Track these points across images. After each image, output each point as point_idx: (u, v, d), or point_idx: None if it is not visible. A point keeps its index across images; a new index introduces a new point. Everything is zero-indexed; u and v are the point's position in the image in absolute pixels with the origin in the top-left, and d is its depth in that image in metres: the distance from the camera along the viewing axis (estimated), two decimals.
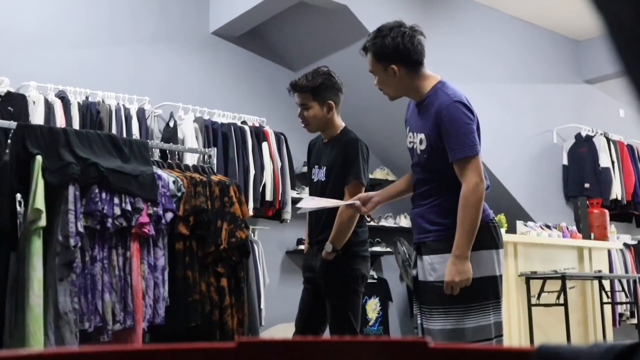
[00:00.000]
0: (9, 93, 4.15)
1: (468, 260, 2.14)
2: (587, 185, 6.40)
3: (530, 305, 4.72)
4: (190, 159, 4.57)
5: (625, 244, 6.44)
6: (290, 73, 5.83)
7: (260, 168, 5.01)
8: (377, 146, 5.95)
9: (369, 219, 5.68)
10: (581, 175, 6.47)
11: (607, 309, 5.58)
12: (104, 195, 3.11)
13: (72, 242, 2.93)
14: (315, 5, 5.08)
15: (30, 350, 2.30)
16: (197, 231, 3.43)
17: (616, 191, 6.41)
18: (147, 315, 3.20)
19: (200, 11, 5.63)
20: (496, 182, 5.61)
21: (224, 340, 3.29)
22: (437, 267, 2.21)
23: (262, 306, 4.82)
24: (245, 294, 3.60)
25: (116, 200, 3.14)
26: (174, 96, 5.12)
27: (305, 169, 5.30)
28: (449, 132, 2.19)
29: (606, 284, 5.52)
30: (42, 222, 2.91)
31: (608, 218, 5.88)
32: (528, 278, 4.80)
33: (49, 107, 4.28)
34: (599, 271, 5.43)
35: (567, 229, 5.64)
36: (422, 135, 2.28)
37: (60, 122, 4.23)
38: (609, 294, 5.58)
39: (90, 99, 4.57)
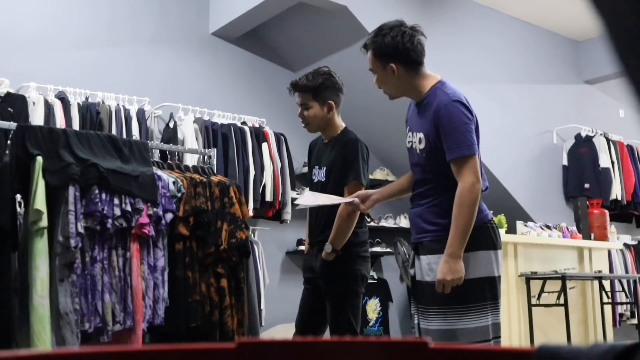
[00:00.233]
0: (8, 94, 4.15)
1: (461, 259, 2.14)
2: (587, 185, 6.40)
3: (530, 306, 4.72)
4: (190, 160, 4.57)
5: (625, 244, 6.44)
6: (290, 74, 5.83)
7: (260, 169, 5.01)
8: (377, 147, 5.96)
9: (368, 220, 5.68)
10: (581, 175, 6.47)
11: (607, 309, 5.58)
12: (104, 195, 3.11)
13: (72, 242, 2.93)
14: (315, 6, 5.08)
15: (30, 350, 2.30)
16: (197, 232, 3.43)
17: (616, 191, 6.41)
18: (147, 316, 3.20)
19: (200, 12, 5.63)
20: (496, 182, 5.61)
21: (223, 340, 3.29)
22: (434, 267, 2.21)
23: (262, 307, 4.82)
24: (245, 295, 3.60)
25: (116, 201, 3.14)
26: (174, 97, 5.12)
27: (305, 170, 5.30)
28: (447, 131, 2.19)
29: (606, 284, 5.51)
30: (44, 222, 2.92)
31: (608, 218, 5.88)
32: (528, 278, 4.80)
33: (48, 108, 4.28)
34: (599, 271, 5.42)
35: (567, 229, 5.64)
36: (421, 135, 2.28)
37: (60, 123, 4.23)
38: (609, 294, 5.58)
39: (90, 100, 4.57)
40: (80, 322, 2.97)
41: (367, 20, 5.06)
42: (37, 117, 4.19)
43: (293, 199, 5.17)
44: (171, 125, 4.87)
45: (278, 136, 5.25)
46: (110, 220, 3.09)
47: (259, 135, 5.12)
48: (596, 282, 5.38)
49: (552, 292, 4.67)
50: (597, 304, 5.40)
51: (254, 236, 5.14)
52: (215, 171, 3.93)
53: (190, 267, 3.38)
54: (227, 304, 3.44)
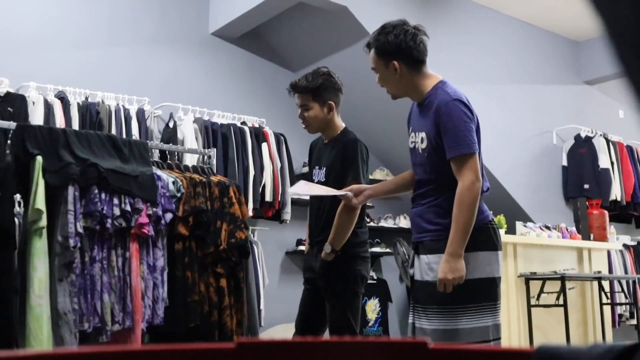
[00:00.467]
0: (8, 94, 4.15)
1: (462, 258, 2.13)
2: (586, 186, 6.41)
3: (529, 306, 4.72)
4: (190, 160, 4.57)
5: (624, 245, 6.45)
6: (289, 74, 5.83)
7: (259, 169, 5.01)
8: (377, 147, 5.96)
9: (368, 220, 5.68)
10: (581, 176, 6.47)
11: (607, 309, 5.58)
12: (103, 195, 3.11)
13: (71, 242, 2.93)
14: (315, 6, 5.08)
15: (30, 350, 2.30)
16: (196, 232, 3.43)
17: (615, 192, 6.41)
18: (146, 316, 3.20)
19: (200, 12, 5.63)
20: (496, 182, 5.61)
21: (223, 340, 3.29)
22: (434, 267, 2.21)
23: (262, 307, 4.82)
24: (245, 295, 3.60)
25: (115, 201, 3.14)
26: (174, 97, 5.12)
27: (305, 170, 5.30)
28: (447, 129, 2.19)
29: (606, 284, 5.51)
30: (43, 222, 2.92)
31: (607, 219, 5.88)
32: (527, 279, 4.80)
33: (48, 108, 4.28)
34: (599, 272, 5.42)
35: (567, 229, 5.64)
36: (423, 134, 2.29)
37: (59, 122, 4.23)
38: (609, 294, 5.58)
39: (89, 100, 4.57)
40: (79, 322, 2.97)
41: (367, 21, 5.06)
42: (36, 117, 4.19)
43: (293, 199, 5.17)
44: (171, 125, 4.87)
45: (278, 136, 5.26)
46: (109, 220, 3.09)
47: (258, 135, 5.12)
48: (595, 283, 5.38)
49: (552, 292, 4.67)
50: (597, 304, 5.40)
51: (253, 236, 5.13)
52: (215, 171, 3.93)
53: (189, 267, 3.38)
54: (226, 304, 3.44)
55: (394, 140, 5.75)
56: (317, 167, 3.00)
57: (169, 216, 3.32)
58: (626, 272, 6.26)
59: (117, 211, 3.13)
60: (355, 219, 2.79)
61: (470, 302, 2.17)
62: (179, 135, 4.79)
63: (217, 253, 3.44)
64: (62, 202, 3.00)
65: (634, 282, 5.76)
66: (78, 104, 4.46)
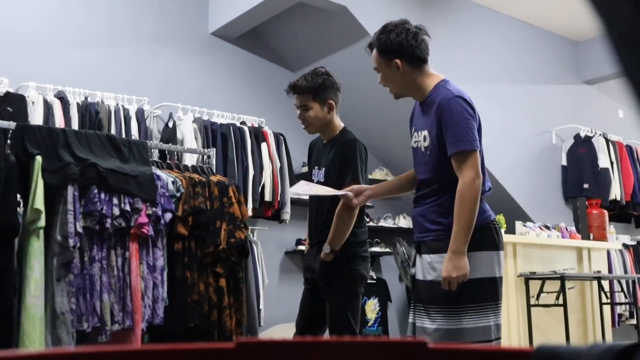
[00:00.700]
0: (8, 93, 4.15)
1: (465, 255, 2.13)
2: (586, 185, 6.41)
3: (529, 306, 4.72)
4: (190, 160, 4.57)
5: (624, 245, 6.45)
6: (289, 74, 5.83)
7: (259, 168, 5.01)
8: (377, 147, 5.96)
9: (368, 219, 5.68)
10: (580, 175, 6.47)
11: (607, 309, 5.59)
12: (103, 195, 3.11)
13: (70, 242, 2.93)
14: (314, 6, 5.08)
15: (30, 350, 2.30)
16: (196, 231, 3.43)
17: (615, 192, 6.41)
18: (146, 316, 3.20)
19: (199, 12, 5.63)
20: (495, 182, 5.61)
21: (222, 340, 3.29)
22: (436, 266, 2.21)
23: (261, 307, 4.82)
24: (244, 295, 3.60)
25: (115, 201, 3.14)
26: (173, 97, 5.12)
27: (304, 170, 5.30)
28: (448, 125, 2.19)
29: (605, 284, 5.52)
30: (42, 222, 2.91)
31: (607, 218, 5.88)
32: (527, 278, 4.80)
33: (48, 108, 4.28)
34: (598, 272, 5.43)
35: (566, 229, 5.65)
36: (425, 132, 2.29)
37: (59, 122, 4.23)
38: (608, 294, 5.58)
39: (89, 100, 4.57)
40: (79, 322, 2.97)
41: (366, 21, 5.06)
42: (36, 117, 4.19)
43: (292, 199, 5.17)
44: (170, 125, 4.87)
45: (277, 136, 5.25)
46: (109, 220, 3.09)
47: (258, 135, 5.12)
48: (595, 283, 5.38)
49: (551, 292, 4.67)
50: (596, 304, 5.40)
51: (253, 236, 5.13)
52: (215, 171, 3.93)
53: (189, 267, 3.38)
54: (225, 303, 3.44)
55: (393, 140, 5.76)
56: (316, 168, 3.00)
57: (168, 216, 3.32)
58: (626, 271, 6.26)
59: (116, 211, 3.13)
60: (354, 219, 2.79)
61: (472, 301, 2.16)
62: (179, 135, 4.79)
63: (217, 253, 3.44)
64: (61, 202, 3.00)
65: (633, 281, 5.76)
66: (77, 103, 4.46)
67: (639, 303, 5.65)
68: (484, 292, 2.19)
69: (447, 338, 2.15)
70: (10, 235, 2.93)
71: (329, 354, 0.58)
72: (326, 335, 3.06)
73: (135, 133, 4.56)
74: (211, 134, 4.93)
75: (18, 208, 3.08)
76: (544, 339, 4.74)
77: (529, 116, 6.41)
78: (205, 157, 4.16)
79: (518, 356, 0.59)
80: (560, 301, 4.63)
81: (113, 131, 4.41)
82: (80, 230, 2.99)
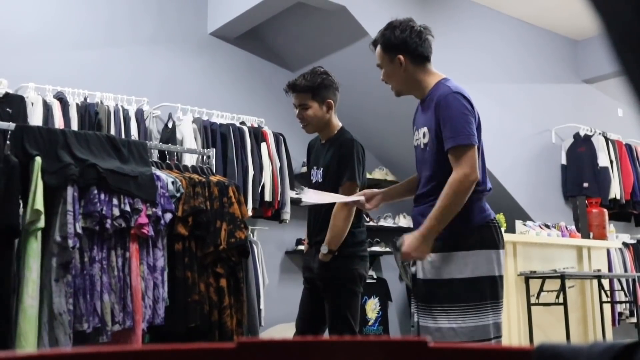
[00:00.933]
0: (7, 94, 4.15)
1: (430, 242, 2.14)
2: (585, 184, 6.41)
3: (529, 305, 4.73)
4: (189, 160, 4.57)
5: (624, 243, 6.45)
6: (288, 74, 5.83)
7: (259, 168, 5.01)
8: (376, 146, 5.95)
9: (367, 219, 5.68)
10: (580, 174, 6.47)
11: (607, 308, 5.59)
12: (102, 196, 3.11)
13: (70, 243, 2.93)
14: (314, 6, 5.08)
15: (30, 351, 2.30)
16: (196, 232, 3.43)
17: (615, 190, 6.41)
18: (146, 316, 3.20)
19: (198, 12, 5.63)
20: (495, 181, 5.61)
21: (223, 340, 3.29)
22: (436, 265, 2.21)
23: (262, 306, 4.82)
24: (245, 295, 3.60)
25: (115, 201, 3.14)
26: (173, 97, 5.12)
27: (304, 169, 5.30)
28: (445, 120, 2.19)
29: (605, 283, 5.52)
30: (41, 223, 2.91)
31: (607, 217, 5.88)
32: (527, 277, 4.81)
33: (47, 109, 4.27)
34: (598, 270, 5.43)
35: (566, 228, 5.65)
36: (425, 129, 2.29)
37: (58, 123, 4.23)
38: (608, 293, 5.59)
39: (88, 100, 4.57)
40: (79, 322, 2.97)
41: (365, 20, 5.06)
42: (35, 118, 4.18)
43: (292, 199, 5.17)
44: (170, 125, 4.87)
45: (277, 136, 5.25)
46: (109, 221, 3.09)
47: (257, 135, 5.12)
48: (595, 281, 5.38)
49: (551, 291, 4.68)
50: (596, 303, 5.41)
51: (253, 236, 5.13)
52: (214, 171, 3.93)
53: (189, 267, 3.38)
54: (226, 303, 3.44)
55: (393, 140, 5.75)
56: (314, 168, 3.00)
57: (168, 216, 3.32)
58: (626, 270, 6.26)
59: (116, 211, 3.12)
60: (351, 219, 2.79)
61: (472, 300, 2.16)
62: (178, 136, 4.79)
63: (217, 253, 3.44)
64: (60, 203, 3.00)
65: (633, 280, 5.76)
66: (77, 104, 4.46)
67: (639, 301, 5.65)
68: (483, 291, 2.19)
69: (448, 337, 2.15)
70: (11, 237, 2.93)
71: (329, 354, 0.58)
72: (326, 335, 3.06)
73: (134, 133, 4.56)
74: (211, 134, 4.93)
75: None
76: (545, 338, 4.75)
77: (528, 115, 6.41)
78: (204, 157, 4.16)
79: (519, 355, 0.59)
80: (561, 300, 4.63)
81: (112, 132, 4.41)
82: (79, 231, 2.99)
